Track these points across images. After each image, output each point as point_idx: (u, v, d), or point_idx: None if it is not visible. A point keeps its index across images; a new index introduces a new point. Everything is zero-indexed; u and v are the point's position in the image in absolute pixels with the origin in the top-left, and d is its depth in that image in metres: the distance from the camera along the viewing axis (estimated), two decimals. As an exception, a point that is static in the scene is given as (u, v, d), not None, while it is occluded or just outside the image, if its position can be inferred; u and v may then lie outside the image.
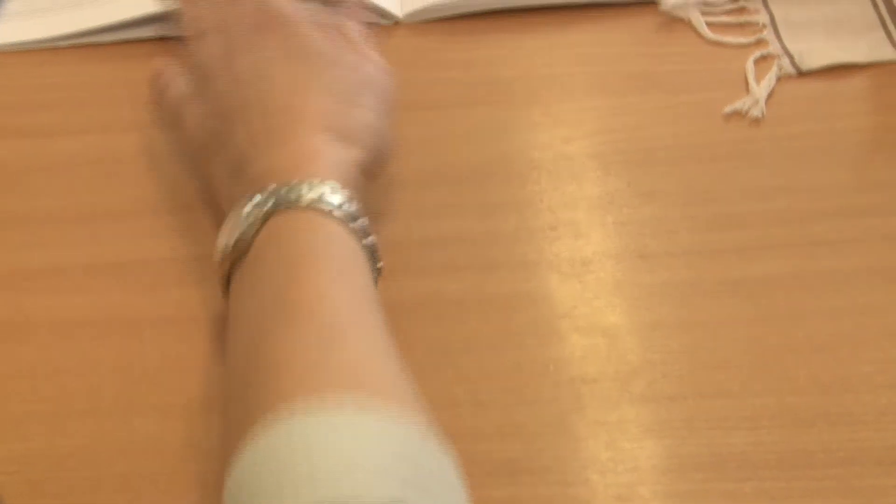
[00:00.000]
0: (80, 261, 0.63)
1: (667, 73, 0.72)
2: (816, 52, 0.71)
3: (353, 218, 0.54)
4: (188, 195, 0.66)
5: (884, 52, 0.71)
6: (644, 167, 0.67)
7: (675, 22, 0.74)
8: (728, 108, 0.69)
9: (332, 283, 0.51)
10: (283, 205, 0.53)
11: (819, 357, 0.59)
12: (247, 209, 0.54)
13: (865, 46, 0.72)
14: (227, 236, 0.55)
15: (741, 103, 0.69)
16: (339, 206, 0.54)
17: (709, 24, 0.73)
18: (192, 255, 0.63)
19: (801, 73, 0.71)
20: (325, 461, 0.43)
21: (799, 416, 0.57)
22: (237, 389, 0.50)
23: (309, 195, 0.53)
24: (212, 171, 0.60)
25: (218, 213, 0.59)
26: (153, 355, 0.60)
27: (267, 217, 0.54)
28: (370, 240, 0.55)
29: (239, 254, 0.54)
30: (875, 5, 0.74)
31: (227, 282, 0.56)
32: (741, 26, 0.74)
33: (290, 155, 0.56)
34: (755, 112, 0.69)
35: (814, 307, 0.61)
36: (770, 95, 0.70)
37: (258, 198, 0.54)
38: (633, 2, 0.75)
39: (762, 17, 0.74)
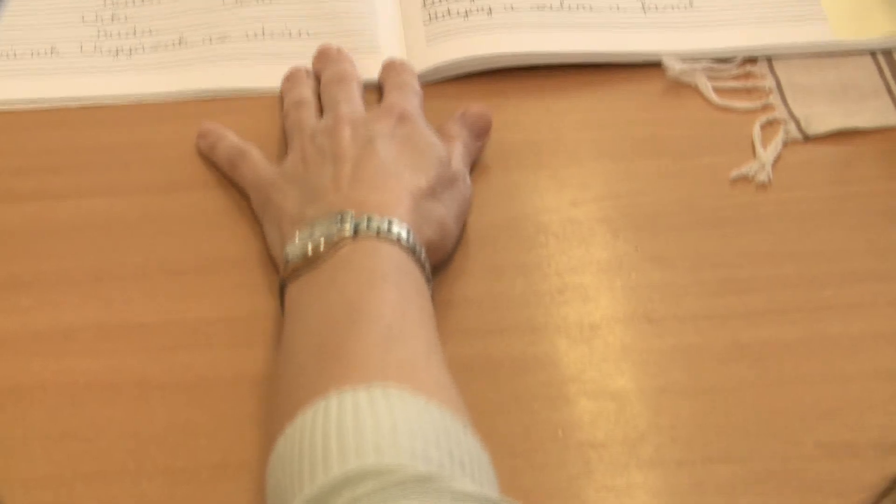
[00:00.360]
0: (89, 324, 0.63)
1: (674, 137, 0.72)
2: (823, 117, 0.72)
3: (419, 255, 0.60)
4: (197, 258, 0.66)
5: (889, 117, 0.72)
6: (652, 231, 0.67)
7: (682, 87, 0.74)
8: (735, 173, 0.69)
9: (401, 299, 0.57)
10: (370, 230, 0.59)
11: (827, 422, 0.59)
12: (332, 226, 0.59)
13: (871, 112, 0.72)
14: (307, 242, 0.59)
15: (748, 168, 0.70)
16: (414, 248, 0.60)
17: (715, 89, 0.74)
18: (201, 318, 0.63)
19: (808, 138, 0.71)
20: (372, 431, 0.48)
21: (807, 481, 0.57)
22: (294, 376, 0.55)
23: (394, 229, 0.59)
24: (274, 198, 0.65)
25: (273, 230, 0.64)
26: (161, 418, 0.60)
27: (351, 235, 0.59)
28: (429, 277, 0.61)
29: (313, 262, 0.59)
30: (881, 71, 0.74)
31: (282, 285, 0.61)
32: (748, 91, 0.74)
33: (377, 197, 0.61)
34: (762, 177, 0.69)
35: (822, 372, 0.61)
36: (777, 160, 0.70)
37: (346, 220, 0.59)
38: (638, 63, 0.75)
39: (768, 82, 0.74)
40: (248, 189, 0.68)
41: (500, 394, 0.60)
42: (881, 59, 0.75)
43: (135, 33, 0.77)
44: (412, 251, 0.59)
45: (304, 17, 0.77)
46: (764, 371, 0.61)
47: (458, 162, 0.67)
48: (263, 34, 0.76)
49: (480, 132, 0.70)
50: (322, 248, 0.59)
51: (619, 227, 0.67)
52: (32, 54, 0.76)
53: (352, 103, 0.69)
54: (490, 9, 0.76)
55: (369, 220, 0.59)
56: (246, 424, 0.59)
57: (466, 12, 0.76)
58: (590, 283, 0.65)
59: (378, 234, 0.59)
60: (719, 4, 0.78)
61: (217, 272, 0.66)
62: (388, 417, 0.49)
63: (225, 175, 0.70)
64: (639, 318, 0.63)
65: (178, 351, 0.62)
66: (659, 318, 0.63)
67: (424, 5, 0.78)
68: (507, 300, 0.64)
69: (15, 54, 0.76)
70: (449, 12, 0.77)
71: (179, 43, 0.76)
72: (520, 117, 0.73)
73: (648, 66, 0.75)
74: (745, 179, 0.69)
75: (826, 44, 0.75)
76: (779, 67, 0.75)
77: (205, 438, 0.59)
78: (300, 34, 0.76)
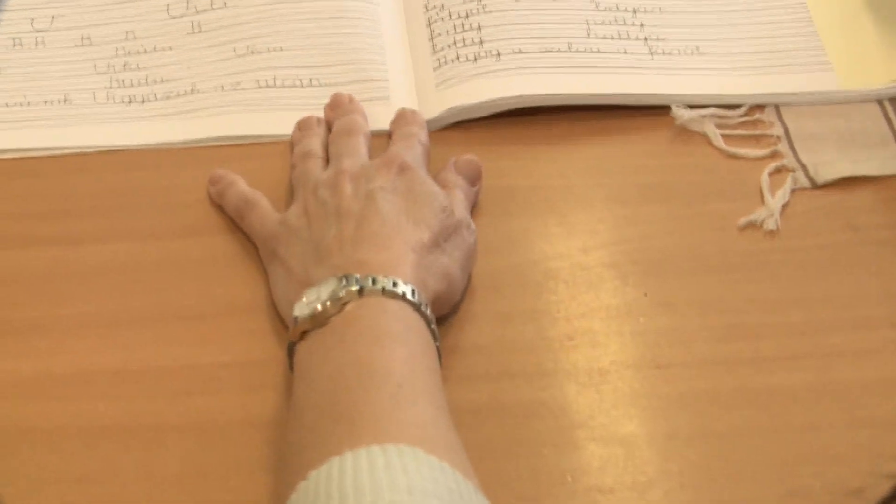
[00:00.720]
0: (104, 368, 0.64)
1: (682, 184, 0.72)
2: (830, 164, 0.72)
3: (430, 319, 0.60)
4: (211, 304, 0.67)
5: (897, 165, 0.73)
6: (660, 277, 0.68)
7: (691, 134, 0.75)
8: (743, 220, 0.70)
9: (409, 356, 0.57)
10: (376, 289, 0.59)
11: (836, 468, 0.59)
12: (339, 286, 0.59)
13: (879, 160, 0.73)
14: (314, 304, 0.59)
15: (756, 215, 0.70)
16: (420, 305, 0.60)
17: (724, 137, 0.74)
18: (214, 362, 0.64)
19: (816, 186, 0.72)
20: (389, 491, 0.48)
21: (815, 527, 0.57)
22: (305, 436, 0.55)
23: (399, 288, 0.59)
24: (279, 252, 0.66)
25: (279, 285, 0.65)
26: (175, 461, 0.60)
27: (358, 295, 0.59)
28: (436, 333, 0.61)
29: (320, 322, 0.59)
30: (888, 120, 0.75)
31: (292, 346, 0.61)
32: (756, 139, 0.74)
33: (380, 256, 0.62)
34: (770, 224, 0.70)
35: (830, 418, 0.61)
36: (785, 207, 0.71)
37: (353, 280, 0.59)
38: (646, 107, 0.76)
39: (777, 130, 0.75)
40: (255, 239, 0.69)
41: (509, 439, 0.61)
42: (888, 107, 0.75)
43: (147, 82, 0.78)
44: (418, 308, 0.60)
45: (316, 67, 0.78)
46: (772, 417, 0.61)
47: (461, 210, 0.67)
48: (275, 83, 0.77)
49: (474, 178, 0.71)
50: (329, 306, 0.59)
51: (628, 272, 0.68)
52: (46, 103, 0.77)
53: (356, 156, 0.69)
54: (498, 53, 0.77)
55: (374, 280, 0.59)
56: (258, 468, 0.59)
57: (475, 57, 0.77)
58: (599, 328, 0.66)
59: (384, 291, 0.59)
60: (725, 51, 0.79)
61: (230, 317, 0.66)
62: (403, 477, 0.49)
63: (236, 243, 0.70)
64: (647, 364, 0.64)
65: (192, 395, 0.63)
66: (667, 364, 0.64)
67: (434, 51, 0.79)
68: (517, 345, 0.65)
69: (28, 103, 0.77)
70: (458, 57, 0.77)
71: (192, 91, 0.77)
72: (529, 163, 0.74)
73: (657, 114, 0.75)
74: (753, 226, 0.70)
75: (832, 93, 0.76)
76: (787, 115, 0.75)
77: (218, 481, 0.59)
78: (311, 83, 0.77)
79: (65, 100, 0.77)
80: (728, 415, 0.62)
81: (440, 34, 0.79)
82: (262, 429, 0.61)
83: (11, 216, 0.71)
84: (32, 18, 0.82)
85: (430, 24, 0.80)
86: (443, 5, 0.80)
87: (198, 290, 0.68)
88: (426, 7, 0.81)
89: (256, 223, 0.69)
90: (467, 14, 0.79)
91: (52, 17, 0.82)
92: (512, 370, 0.64)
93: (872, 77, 0.76)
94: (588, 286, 0.67)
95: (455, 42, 0.78)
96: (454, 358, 0.64)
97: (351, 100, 0.75)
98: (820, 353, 0.64)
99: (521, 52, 0.77)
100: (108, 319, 0.66)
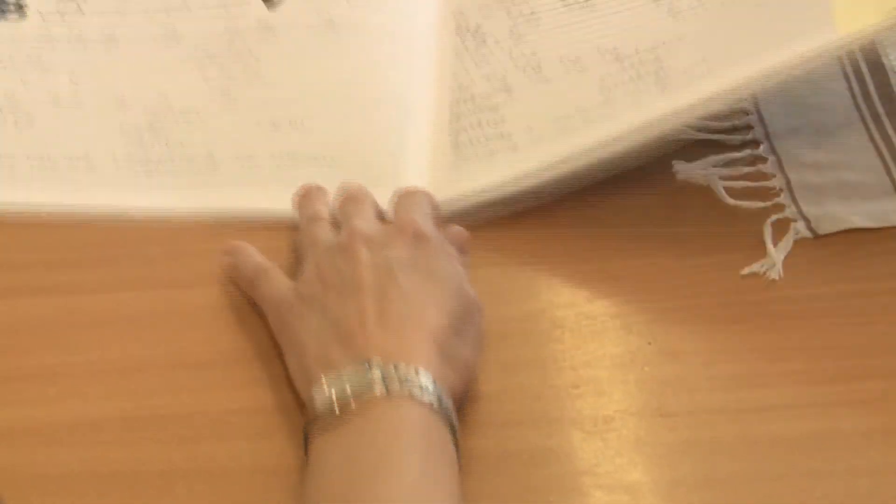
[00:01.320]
0: (114, 415, 0.64)
1: (686, 234, 0.73)
2: (832, 216, 0.73)
3: (447, 414, 0.59)
4: (219, 352, 0.67)
5: (897, 216, 0.73)
6: (665, 327, 0.68)
7: (694, 185, 0.75)
8: (746, 270, 0.71)
9: (427, 451, 0.56)
10: (398, 382, 0.58)
11: (837, 516, 0.59)
12: (361, 377, 0.58)
13: (880, 212, 0.73)
14: (334, 398, 0.58)
15: (759, 265, 0.71)
16: (440, 401, 0.58)
17: (726, 188, 0.75)
18: (225, 409, 0.64)
19: (818, 237, 0.73)
20: None
21: (818, 575, 0.57)
22: None
23: (421, 381, 0.58)
24: (293, 324, 0.64)
25: (294, 360, 0.64)
26: (185, 509, 0.60)
27: (382, 394, 0.58)
28: (456, 430, 0.59)
29: (340, 419, 0.58)
30: (889, 172, 0.75)
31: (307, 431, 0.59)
32: (758, 190, 0.75)
33: (404, 344, 0.60)
34: (772, 274, 0.70)
35: (832, 467, 0.61)
36: (787, 258, 0.71)
37: (374, 368, 0.58)
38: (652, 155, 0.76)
39: (779, 182, 0.75)
40: (266, 308, 0.67)
41: (516, 486, 0.61)
42: (888, 159, 0.76)
43: (167, 144, 0.78)
44: (442, 415, 0.58)
45: (333, 144, 0.77)
46: (774, 465, 0.61)
47: (468, 285, 0.66)
48: (290, 157, 0.77)
49: (464, 248, 0.69)
50: (352, 405, 0.57)
51: (633, 322, 0.68)
52: (66, 160, 0.77)
53: (365, 219, 0.68)
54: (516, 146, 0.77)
55: (396, 367, 0.58)
56: (266, 514, 0.60)
57: (492, 153, 0.77)
58: (604, 377, 0.66)
59: (407, 390, 0.57)
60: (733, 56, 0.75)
61: (238, 365, 0.66)
62: None
63: (245, 296, 0.70)
64: (652, 412, 0.64)
65: (201, 442, 0.63)
66: (671, 412, 0.64)
67: (450, 133, 0.78)
68: (523, 394, 0.65)
69: (49, 158, 0.77)
70: (471, 141, 0.77)
71: (208, 159, 0.77)
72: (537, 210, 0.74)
73: (661, 164, 0.76)
74: (756, 276, 0.70)
75: (825, 47, 0.71)
76: (788, 168, 0.76)
77: (227, 528, 0.60)
78: (326, 161, 0.77)
79: (85, 157, 0.77)
80: (731, 463, 0.62)
81: (465, 126, 0.78)
82: (271, 475, 0.61)
83: (21, 266, 0.72)
84: (72, 72, 0.82)
85: (454, 110, 0.79)
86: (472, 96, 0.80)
87: (206, 339, 0.68)
88: (453, 93, 0.80)
89: (267, 291, 0.67)
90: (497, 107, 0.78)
91: (91, 75, 0.82)
92: (518, 418, 0.64)
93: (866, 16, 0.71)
94: (593, 335, 0.68)
95: (478, 138, 0.78)
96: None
97: (360, 187, 0.72)
98: (821, 401, 0.64)
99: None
100: (116, 367, 0.67)
